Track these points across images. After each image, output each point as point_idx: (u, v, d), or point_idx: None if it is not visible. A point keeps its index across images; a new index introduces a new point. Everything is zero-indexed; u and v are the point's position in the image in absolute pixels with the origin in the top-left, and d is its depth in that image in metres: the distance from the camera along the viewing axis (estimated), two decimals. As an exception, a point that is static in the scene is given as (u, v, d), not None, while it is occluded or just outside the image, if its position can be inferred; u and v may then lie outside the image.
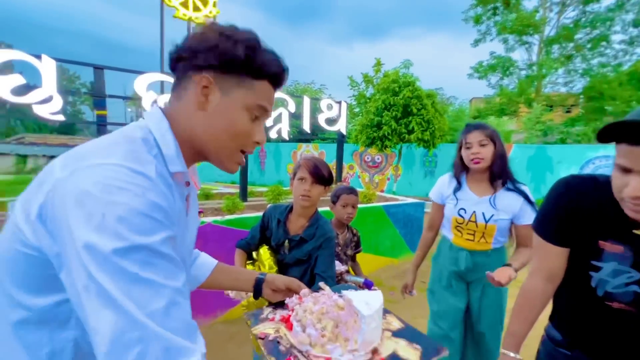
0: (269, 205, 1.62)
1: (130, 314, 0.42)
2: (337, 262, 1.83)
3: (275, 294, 0.98)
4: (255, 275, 0.99)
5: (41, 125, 30.95)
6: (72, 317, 0.53)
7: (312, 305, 0.86)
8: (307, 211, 1.45)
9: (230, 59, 0.58)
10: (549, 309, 1.13)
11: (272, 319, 0.90)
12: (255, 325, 0.88)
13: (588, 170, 9.23)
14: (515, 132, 14.21)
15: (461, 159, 1.61)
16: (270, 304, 0.99)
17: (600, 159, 9.09)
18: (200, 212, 2.95)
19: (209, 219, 2.72)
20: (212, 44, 0.57)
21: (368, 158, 12.36)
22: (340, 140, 4.70)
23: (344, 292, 0.85)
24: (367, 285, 1.80)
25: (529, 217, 1.54)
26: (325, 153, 13.81)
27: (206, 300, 2.69)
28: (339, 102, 4.45)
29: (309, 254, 1.39)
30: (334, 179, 1.49)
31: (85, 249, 0.43)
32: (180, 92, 0.61)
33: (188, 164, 0.64)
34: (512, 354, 1.04)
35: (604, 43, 15.45)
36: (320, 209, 1.56)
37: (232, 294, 1.31)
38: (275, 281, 0.98)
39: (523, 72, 16.76)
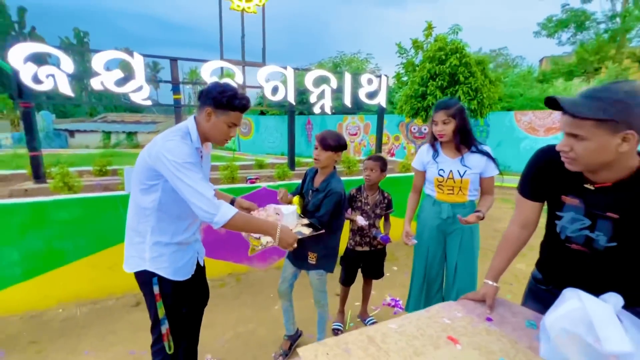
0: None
1: (192, 180, 1.30)
2: (360, 217, 2.26)
3: (242, 209, 1.78)
4: (231, 197, 1.84)
5: (117, 106, 34.83)
6: (159, 189, 1.39)
7: (263, 212, 1.79)
8: (324, 170, 1.97)
9: (219, 103, 1.41)
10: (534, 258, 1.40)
11: None
12: None
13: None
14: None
15: None
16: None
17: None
18: (257, 179, 3.54)
19: (264, 184, 3.28)
20: (212, 96, 1.41)
21: (414, 129, 12.15)
22: (380, 113, 4.91)
23: (279, 206, 1.79)
24: (383, 239, 2.26)
25: (491, 170, 1.96)
26: (370, 124, 13.83)
27: (264, 253, 3.32)
28: (379, 76, 4.63)
29: (321, 202, 1.90)
30: (346, 146, 1.98)
31: (174, 163, 1.30)
32: (201, 110, 1.46)
33: (203, 143, 1.51)
34: (490, 282, 1.34)
35: None
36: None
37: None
38: (241, 202, 1.83)
39: (602, 26, 14.47)
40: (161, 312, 1.49)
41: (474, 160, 1.95)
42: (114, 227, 2.71)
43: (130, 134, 20.11)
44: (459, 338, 1.11)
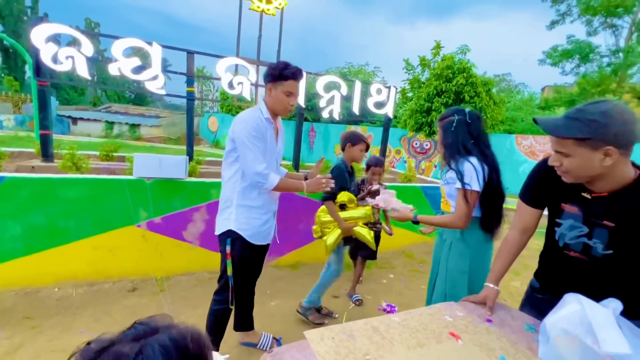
0: (335, 165, 2.50)
1: (253, 150, 1.69)
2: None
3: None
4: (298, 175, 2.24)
5: (120, 96, 34.81)
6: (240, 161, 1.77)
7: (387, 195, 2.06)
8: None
9: (277, 77, 1.71)
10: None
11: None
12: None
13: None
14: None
15: None
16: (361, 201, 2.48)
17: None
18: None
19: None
20: (269, 73, 1.74)
21: (416, 144, 12.28)
22: (386, 123, 5.00)
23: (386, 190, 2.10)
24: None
25: (458, 183, 1.71)
26: (373, 136, 13.95)
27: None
28: (389, 87, 4.72)
29: None
30: (347, 139, 2.43)
31: (241, 136, 1.69)
32: (268, 91, 1.77)
33: (273, 117, 1.82)
34: (491, 285, 1.38)
35: None
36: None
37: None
38: (292, 175, 2.19)
39: (605, 60, 14.84)
40: (229, 269, 1.80)
41: (451, 173, 1.79)
42: (119, 211, 2.73)
43: (133, 126, 20.09)
44: (460, 335, 1.14)
